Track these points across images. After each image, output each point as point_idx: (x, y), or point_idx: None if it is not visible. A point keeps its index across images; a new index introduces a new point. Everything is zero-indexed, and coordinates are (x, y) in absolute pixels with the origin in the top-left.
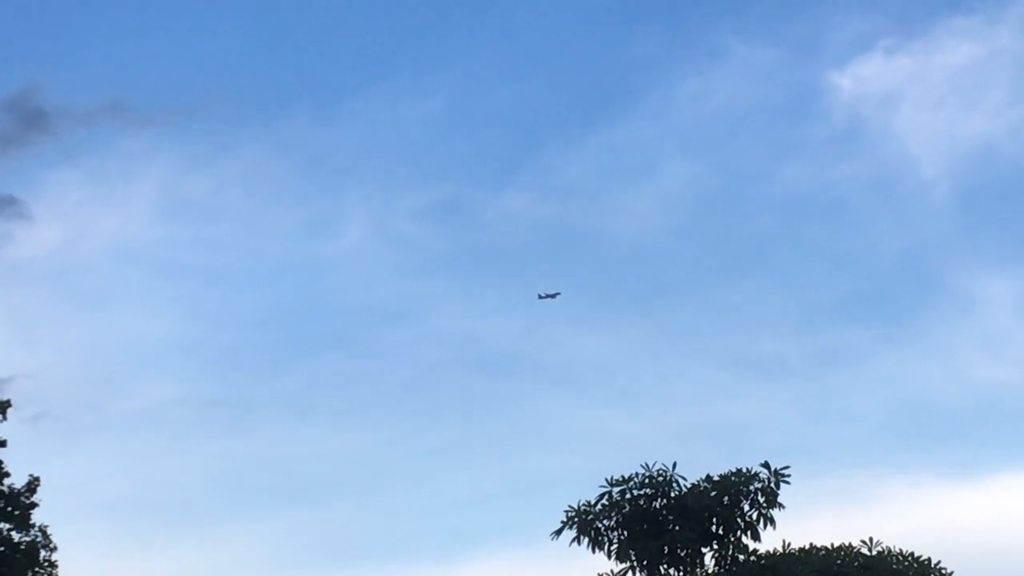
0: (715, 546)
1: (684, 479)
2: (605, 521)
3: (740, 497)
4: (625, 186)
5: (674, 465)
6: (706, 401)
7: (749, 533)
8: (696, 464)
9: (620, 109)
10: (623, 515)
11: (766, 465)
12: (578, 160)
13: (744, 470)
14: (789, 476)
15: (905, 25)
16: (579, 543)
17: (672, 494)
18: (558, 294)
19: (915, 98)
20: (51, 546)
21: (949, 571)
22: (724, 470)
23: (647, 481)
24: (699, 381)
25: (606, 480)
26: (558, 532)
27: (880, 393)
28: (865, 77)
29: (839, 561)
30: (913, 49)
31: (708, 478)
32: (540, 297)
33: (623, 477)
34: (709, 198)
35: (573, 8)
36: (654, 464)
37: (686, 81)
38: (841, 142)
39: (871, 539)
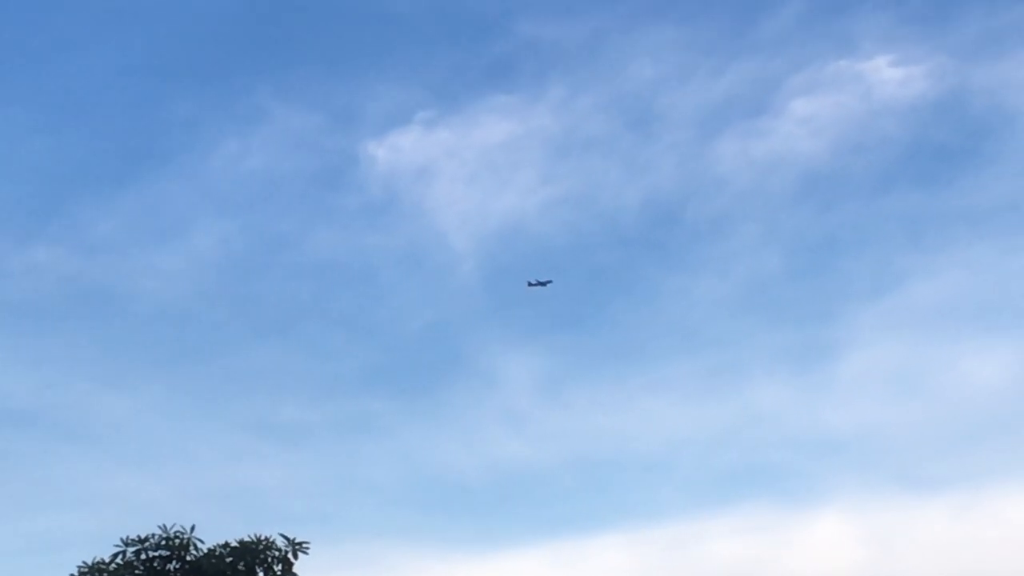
0: None
1: (202, 542)
2: None
3: (256, 564)
4: (155, 245)
5: (192, 528)
6: (227, 465)
7: None
8: (216, 528)
9: (154, 167)
10: (136, 575)
11: (284, 536)
12: (109, 217)
13: (264, 538)
14: (308, 548)
15: (445, 99)
16: None
17: (188, 557)
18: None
19: (450, 172)
20: None
21: None
22: (245, 535)
23: (164, 542)
24: (220, 444)
25: (121, 540)
26: None
27: (401, 464)
28: (402, 148)
29: None
30: (451, 123)
31: (227, 544)
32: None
33: (139, 537)
34: (239, 261)
35: (111, 63)
36: (172, 526)
37: (223, 142)
38: (374, 212)
39: None
